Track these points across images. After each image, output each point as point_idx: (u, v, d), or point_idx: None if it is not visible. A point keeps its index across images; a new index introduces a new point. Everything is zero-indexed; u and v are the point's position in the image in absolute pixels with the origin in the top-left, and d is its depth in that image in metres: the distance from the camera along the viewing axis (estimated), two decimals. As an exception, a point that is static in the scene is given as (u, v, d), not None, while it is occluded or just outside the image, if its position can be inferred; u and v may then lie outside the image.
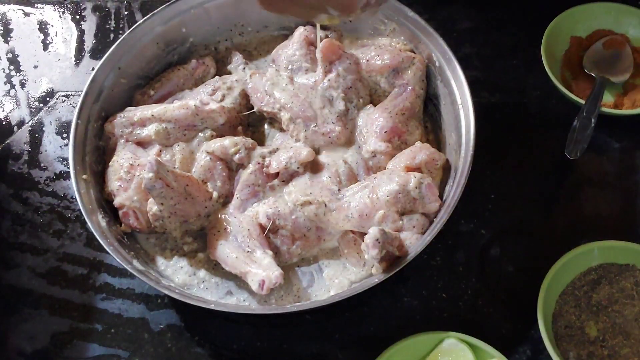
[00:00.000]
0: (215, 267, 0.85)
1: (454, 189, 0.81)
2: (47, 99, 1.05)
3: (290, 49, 0.94)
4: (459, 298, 0.84)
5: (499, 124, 0.96)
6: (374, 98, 0.92)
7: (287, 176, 0.86)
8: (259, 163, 0.86)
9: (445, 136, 0.91)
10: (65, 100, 1.05)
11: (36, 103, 1.05)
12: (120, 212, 0.86)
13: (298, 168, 0.85)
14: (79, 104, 0.89)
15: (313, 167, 0.87)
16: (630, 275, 0.82)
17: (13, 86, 1.07)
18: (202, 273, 0.84)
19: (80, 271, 0.90)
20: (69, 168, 0.86)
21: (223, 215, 0.85)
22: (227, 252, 0.81)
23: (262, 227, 0.83)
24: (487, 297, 0.84)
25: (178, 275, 0.84)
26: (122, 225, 0.86)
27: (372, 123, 0.88)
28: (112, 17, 1.13)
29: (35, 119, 1.03)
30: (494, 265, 0.86)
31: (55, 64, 1.09)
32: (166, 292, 0.78)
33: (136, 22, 0.98)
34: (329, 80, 0.89)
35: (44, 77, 1.08)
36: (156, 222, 0.84)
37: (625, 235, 0.86)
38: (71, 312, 0.87)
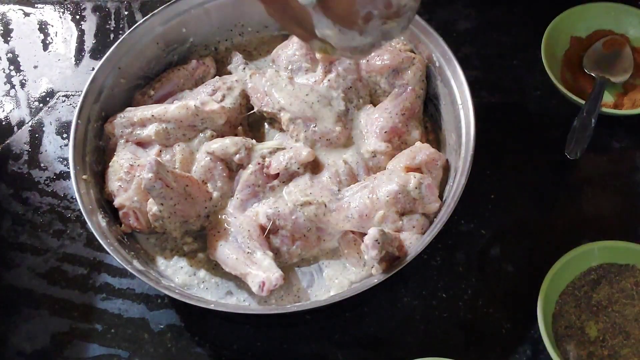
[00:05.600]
0: (215, 268, 0.85)
1: (454, 189, 0.81)
2: (47, 99, 1.05)
3: (290, 49, 0.94)
4: (459, 298, 0.84)
5: (499, 124, 0.96)
6: (374, 98, 0.92)
7: (287, 176, 0.86)
8: (259, 163, 0.86)
9: (445, 136, 0.91)
10: (65, 100, 1.05)
11: (36, 103, 1.05)
12: (120, 213, 0.86)
13: (298, 168, 0.85)
14: (79, 104, 0.89)
15: (313, 167, 0.87)
16: (630, 275, 0.82)
17: (13, 86, 1.07)
18: (202, 273, 0.84)
19: (80, 271, 0.89)
20: (69, 168, 0.86)
21: (223, 216, 0.85)
22: (227, 253, 0.81)
23: (262, 228, 0.83)
24: (487, 297, 0.84)
25: (178, 275, 0.84)
26: (122, 225, 0.86)
27: (372, 123, 0.88)
28: (112, 17, 1.13)
29: (35, 119, 1.03)
30: (494, 265, 0.86)
31: (55, 64, 1.09)
32: (166, 292, 0.78)
33: (136, 22, 0.98)
34: (328, 80, 0.89)
35: (44, 77, 1.08)
36: (156, 222, 0.84)
37: (625, 235, 0.85)
38: (71, 312, 0.87)
